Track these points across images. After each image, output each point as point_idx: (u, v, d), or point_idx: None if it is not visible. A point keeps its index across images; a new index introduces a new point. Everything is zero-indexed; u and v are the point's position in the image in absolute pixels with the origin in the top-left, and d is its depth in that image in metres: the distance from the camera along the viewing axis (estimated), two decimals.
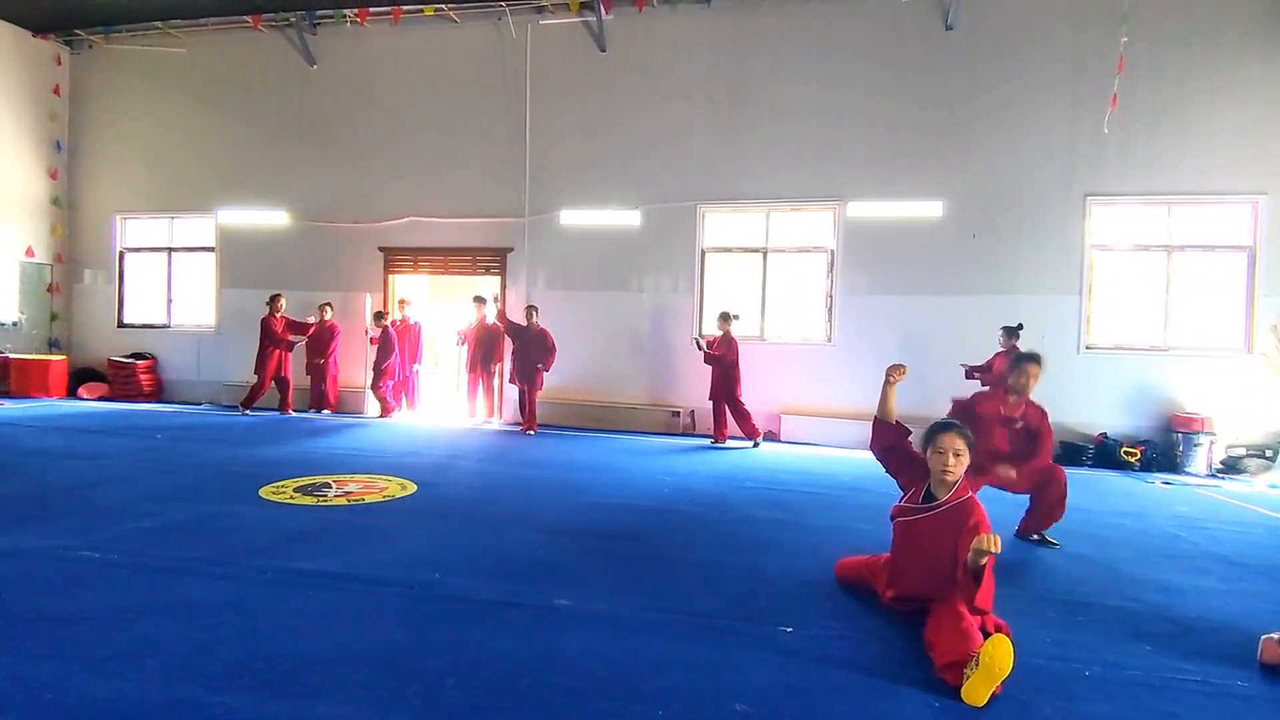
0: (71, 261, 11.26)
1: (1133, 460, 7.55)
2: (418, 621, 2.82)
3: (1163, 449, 7.68)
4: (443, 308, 12.40)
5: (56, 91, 10.98)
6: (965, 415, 4.14)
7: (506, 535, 4.14)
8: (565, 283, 9.57)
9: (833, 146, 8.71)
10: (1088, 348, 8.17)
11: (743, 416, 8.01)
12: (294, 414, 9.46)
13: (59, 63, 11.00)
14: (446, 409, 10.27)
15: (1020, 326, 7.44)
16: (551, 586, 3.27)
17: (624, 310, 9.37)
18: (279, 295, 9.62)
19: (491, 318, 9.52)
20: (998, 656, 2.22)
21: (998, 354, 7.47)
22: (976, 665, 2.25)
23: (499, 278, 9.78)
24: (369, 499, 4.89)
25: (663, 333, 9.25)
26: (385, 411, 9.54)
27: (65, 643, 2.51)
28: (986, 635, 2.50)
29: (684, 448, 7.87)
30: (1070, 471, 6.93)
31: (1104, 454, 7.72)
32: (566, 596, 3.14)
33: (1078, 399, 8.06)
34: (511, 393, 9.65)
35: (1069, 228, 8.16)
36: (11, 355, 10.29)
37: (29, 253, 10.70)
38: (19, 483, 4.98)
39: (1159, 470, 7.49)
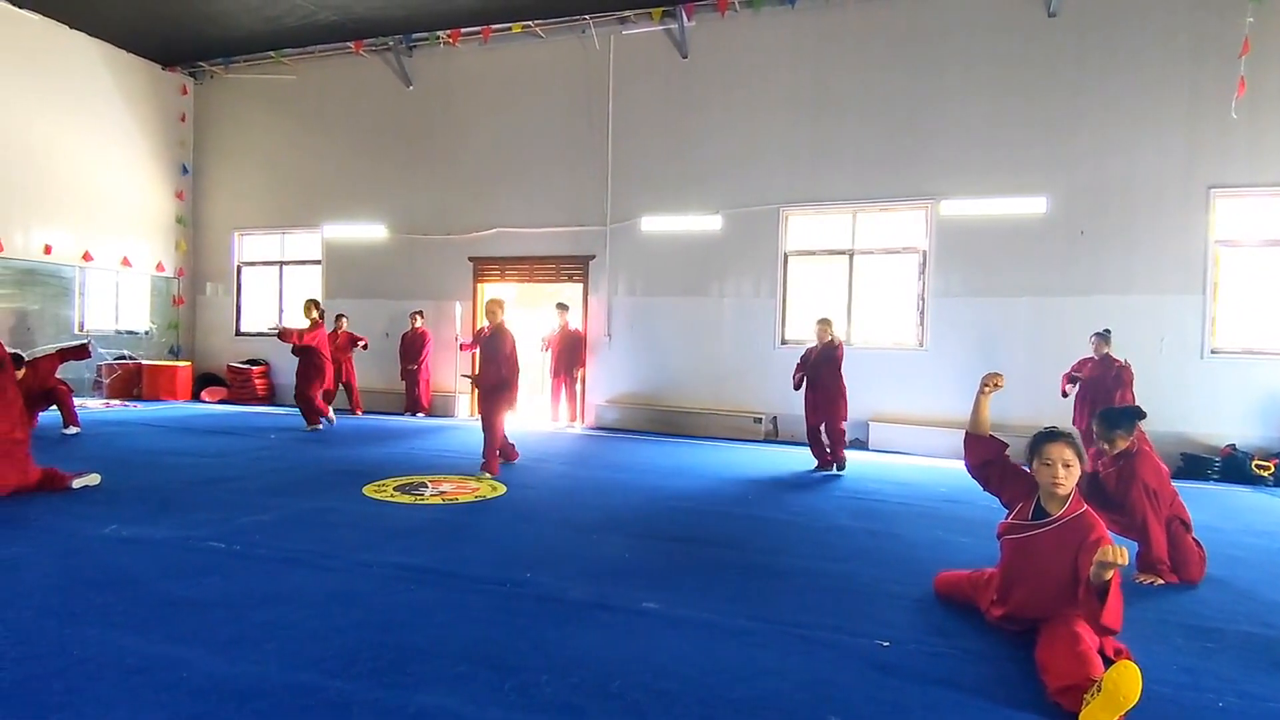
0: (195, 275, 12.26)
1: (1265, 475, 6.89)
2: (511, 618, 2.90)
3: None
4: (530, 315, 12.68)
5: (183, 119, 11.99)
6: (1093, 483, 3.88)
7: (593, 537, 4.20)
8: (646, 289, 9.63)
9: (924, 143, 8.40)
10: (1213, 352, 7.52)
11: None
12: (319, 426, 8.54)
13: (184, 92, 12.01)
14: (531, 412, 10.51)
15: (1107, 331, 7.01)
16: (638, 589, 3.29)
17: (704, 315, 9.34)
18: (313, 303, 8.58)
19: (574, 324, 9.75)
20: (1123, 684, 2.04)
21: (1085, 360, 7.03)
22: (1099, 691, 2.09)
23: (581, 285, 9.95)
24: (462, 499, 5.07)
25: (744, 338, 9.16)
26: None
27: (196, 626, 2.72)
28: (1105, 659, 2.34)
29: (768, 454, 7.76)
30: (1195, 486, 6.51)
31: (1232, 467, 7.08)
32: (654, 600, 3.15)
33: (1201, 407, 7.44)
34: (595, 396, 9.81)
35: (1190, 222, 7.56)
36: (144, 361, 11.29)
37: (159, 268, 11.72)
38: (153, 477, 5.45)
39: None
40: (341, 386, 10.11)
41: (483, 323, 9.95)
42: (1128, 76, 7.73)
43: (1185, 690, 2.45)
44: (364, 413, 10.20)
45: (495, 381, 6.17)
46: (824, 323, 6.94)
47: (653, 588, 3.32)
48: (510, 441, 6.54)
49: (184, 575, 3.29)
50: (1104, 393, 6.76)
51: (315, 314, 8.43)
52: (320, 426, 8.43)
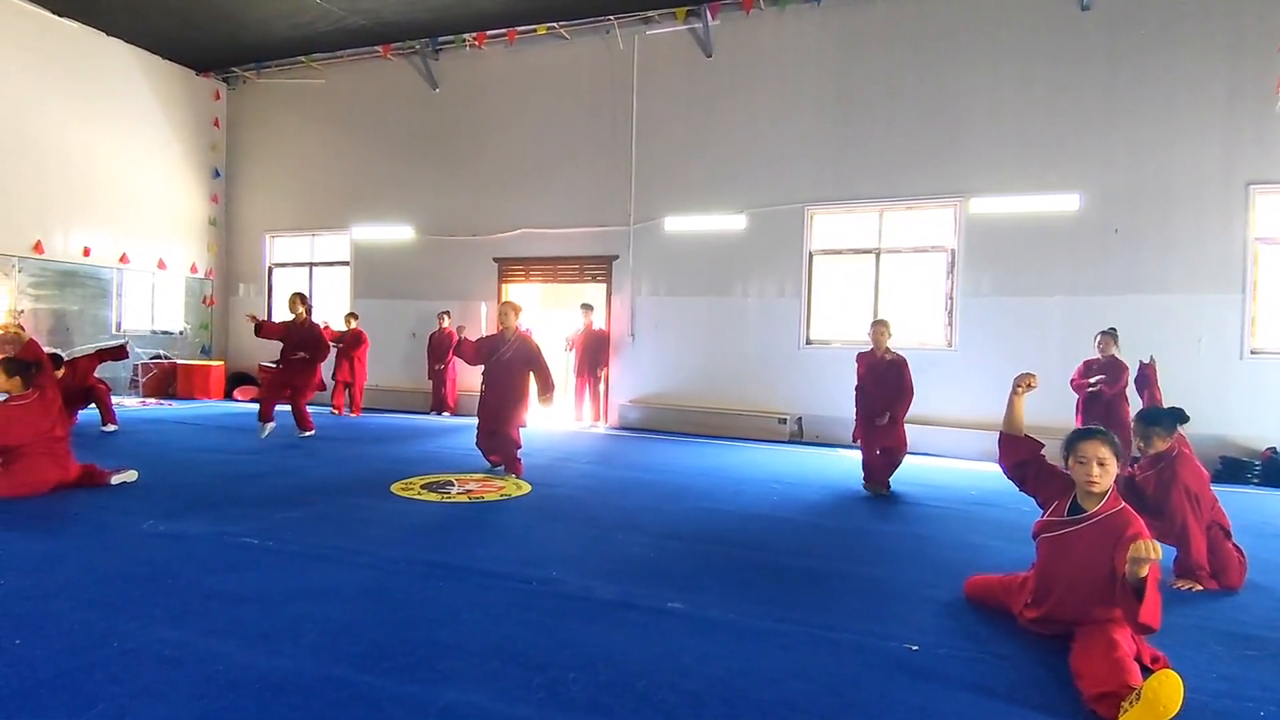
0: (228, 276, 12.51)
1: None
2: (537, 616, 2.92)
3: None
4: (553, 315, 12.74)
5: (216, 124, 12.24)
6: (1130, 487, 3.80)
7: (618, 537, 4.20)
8: (669, 289, 9.62)
9: (952, 140, 8.29)
10: (1253, 352, 7.32)
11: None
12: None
13: (217, 97, 12.26)
14: (554, 412, 10.53)
15: (1114, 330, 6.71)
16: (664, 589, 3.28)
17: (728, 315, 9.31)
18: (299, 297, 7.74)
19: (598, 324, 9.78)
20: (1164, 694, 2.00)
21: (1092, 361, 6.73)
22: (1138, 699, 2.04)
23: (605, 285, 9.97)
24: (488, 497, 5.11)
25: (768, 338, 9.11)
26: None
27: (231, 620, 2.78)
28: (1142, 667, 2.28)
29: (793, 454, 7.71)
30: (1235, 490, 6.32)
31: (1273, 471, 6.88)
32: (679, 600, 3.14)
33: (1241, 409, 7.24)
34: (618, 396, 9.82)
35: (1229, 219, 7.36)
36: (178, 361, 11.54)
37: (192, 269, 11.98)
38: (188, 474, 5.57)
39: None
40: (344, 386, 10.10)
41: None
42: (1163, 71, 7.55)
43: (1224, 699, 2.39)
44: (361, 413, 10.15)
45: (521, 394, 6.21)
46: (881, 326, 6.01)
47: (678, 588, 3.32)
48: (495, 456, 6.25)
49: (219, 570, 3.36)
50: (1114, 398, 6.46)
51: (301, 308, 7.50)
52: (313, 430, 7.77)
